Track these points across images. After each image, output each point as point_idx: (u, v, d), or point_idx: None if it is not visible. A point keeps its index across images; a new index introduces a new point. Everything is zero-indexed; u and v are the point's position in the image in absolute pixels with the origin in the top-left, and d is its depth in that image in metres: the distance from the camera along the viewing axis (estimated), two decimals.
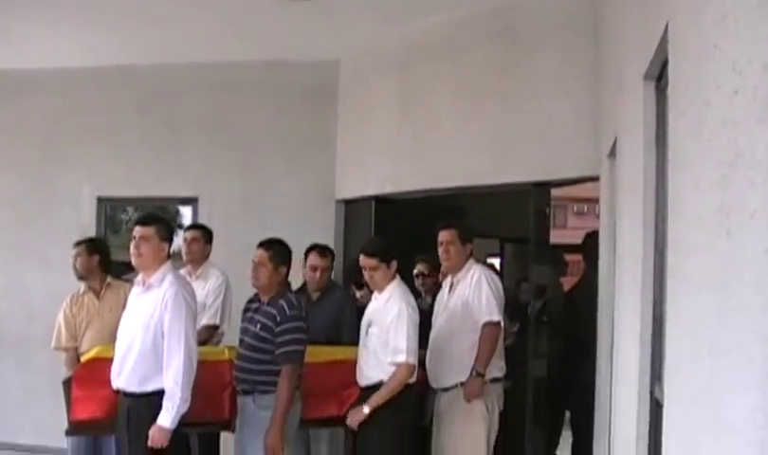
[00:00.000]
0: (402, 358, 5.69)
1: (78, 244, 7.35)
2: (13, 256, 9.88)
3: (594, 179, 6.75)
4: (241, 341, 5.93)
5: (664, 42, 3.01)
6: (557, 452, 8.46)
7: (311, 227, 8.64)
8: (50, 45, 9.02)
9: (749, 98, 1.81)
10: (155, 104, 9.70)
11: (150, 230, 5.59)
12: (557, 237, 8.02)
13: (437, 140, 7.93)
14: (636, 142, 3.87)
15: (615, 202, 5.26)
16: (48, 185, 9.86)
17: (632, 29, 4.16)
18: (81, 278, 7.10)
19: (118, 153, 9.72)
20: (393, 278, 5.95)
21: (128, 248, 5.76)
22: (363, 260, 5.97)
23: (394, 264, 5.93)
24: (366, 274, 6.00)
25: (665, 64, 3.17)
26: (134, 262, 5.65)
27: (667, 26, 2.93)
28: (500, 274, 7.95)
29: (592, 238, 7.34)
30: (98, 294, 7.04)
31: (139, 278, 5.68)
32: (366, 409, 5.66)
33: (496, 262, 10.92)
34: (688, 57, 2.52)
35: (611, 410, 5.19)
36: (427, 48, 8.13)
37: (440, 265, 6.69)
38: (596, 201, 7.13)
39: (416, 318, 5.82)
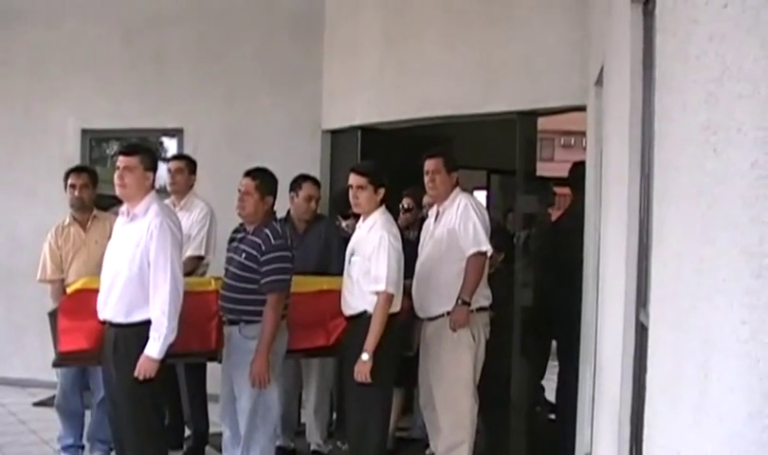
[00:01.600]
0: (382, 287, 5.69)
1: (79, 171, 7.25)
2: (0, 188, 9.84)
3: (582, 109, 6.72)
4: (226, 271, 5.93)
5: None
6: (543, 381, 8.55)
7: (297, 157, 8.60)
8: None
9: (738, 10, 1.78)
10: (140, 36, 9.61)
11: (134, 160, 5.55)
12: (544, 170, 8.02)
13: (423, 69, 7.87)
14: (623, 67, 3.84)
15: (602, 130, 5.24)
16: (34, 118, 9.82)
17: None
18: (80, 208, 7.01)
19: (103, 85, 9.65)
20: (379, 206, 5.92)
21: (112, 182, 5.72)
22: (353, 177, 5.94)
23: (381, 192, 5.91)
24: (352, 193, 5.95)
25: None
26: (118, 192, 5.62)
27: None
28: (487, 207, 7.96)
29: (578, 168, 7.33)
30: (84, 225, 6.99)
31: (124, 208, 5.65)
32: (365, 357, 5.64)
33: (482, 195, 10.92)
34: None
35: (596, 337, 5.21)
36: None
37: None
38: (584, 133, 7.11)
39: (398, 246, 5.81)
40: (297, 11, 9.25)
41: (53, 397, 7.47)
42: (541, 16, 7.06)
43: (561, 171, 9.16)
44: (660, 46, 2.84)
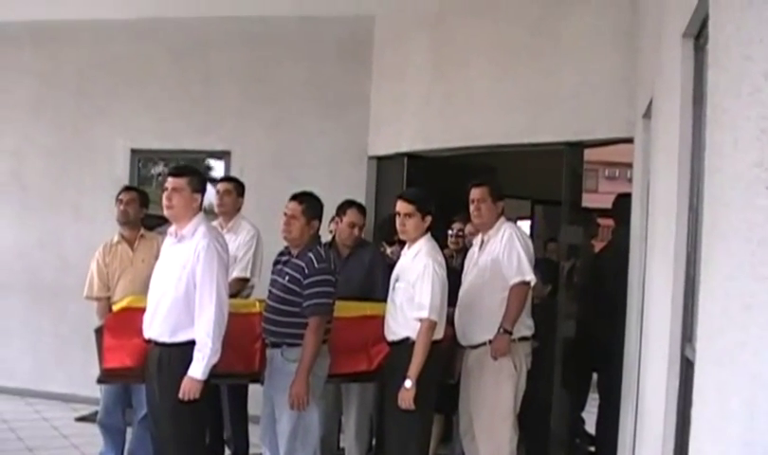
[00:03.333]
0: (425, 314, 5.68)
1: (129, 189, 7.40)
2: (48, 207, 9.99)
3: (628, 141, 6.71)
4: (270, 294, 5.95)
5: None
6: (583, 413, 8.50)
7: (342, 183, 8.67)
8: None
9: None
10: (188, 57, 9.73)
11: (182, 181, 5.60)
12: (588, 201, 7.99)
13: (470, 98, 7.90)
14: (673, 101, 3.84)
15: (650, 163, 5.23)
16: (82, 137, 9.94)
17: None
18: (124, 224, 7.14)
19: (151, 105, 9.78)
20: (424, 233, 5.95)
21: (158, 202, 5.79)
22: (401, 204, 5.96)
23: (428, 220, 5.92)
24: (399, 220, 5.97)
25: (704, 22, 3.14)
26: (166, 212, 5.67)
27: None
28: (530, 236, 7.94)
29: (622, 200, 7.31)
30: (131, 244, 7.09)
31: (172, 229, 5.69)
32: (409, 384, 5.64)
33: (526, 224, 10.91)
34: (730, 12, 2.49)
35: (639, 371, 5.19)
36: (462, 5, 8.09)
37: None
38: (628, 165, 7.09)
39: (443, 274, 5.81)
40: (345, 37, 9.33)
41: (95, 413, 7.55)
42: (589, 48, 7.07)
43: (605, 202, 9.13)
44: (711, 82, 2.84)
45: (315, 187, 6.27)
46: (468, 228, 7.14)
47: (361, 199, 8.05)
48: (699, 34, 3.46)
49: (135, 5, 9.29)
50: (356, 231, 7.03)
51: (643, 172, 5.69)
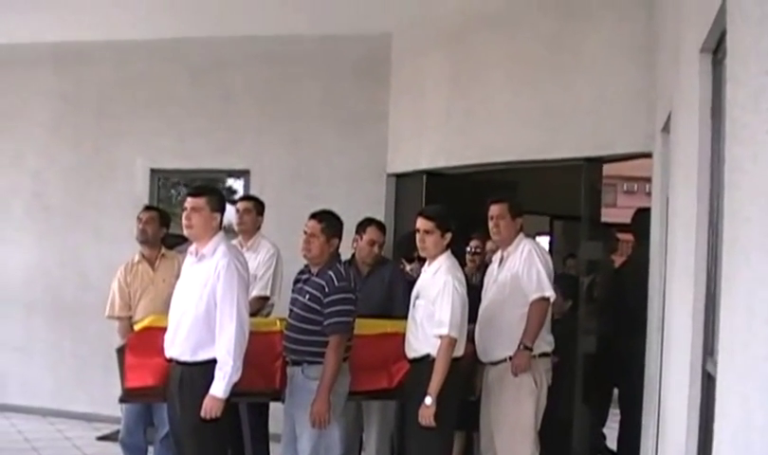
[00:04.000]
0: (445, 331, 5.68)
1: (148, 209, 7.48)
2: (69, 226, 10.06)
3: (647, 156, 6.70)
4: (290, 312, 5.96)
5: (722, 12, 2.98)
6: (605, 429, 8.46)
7: (362, 200, 8.69)
8: (105, 18, 9.12)
9: None
10: (207, 77, 9.80)
11: (200, 201, 5.63)
12: (606, 216, 7.98)
13: (489, 114, 7.92)
14: (692, 116, 3.84)
15: (669, 177, 5.23)
16: (103, 156, 10.02)
17: (689, 1, 4.12)
18: (143, 242, 7.19)
19: (170, 125, 9.84)
20: (445, 250, 5.95)
21: (179, 221, 5.84)
22: (420, 221, 5.97)
23: (448, 236, 5.93)
24: (419, 237, 5.98)
25: (722, 36, 3.14)
26: (185, 232, 5.72)
27: None
28: (549, 252, 7.93)
29: (642, 215, 7.30)
30: (152, 264, 7.14)
31: (192, 248, 5.72)
32: (429, 401, 5.64)
33: (545, 240, 10.89)
34: (748, 26, 2.50)
35: (660, 386, 5.17)
36: (479, 21, 8.11)
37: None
38: (647, 179, 7.08)
39: (463, 291, 5.80)
40: (362, 55, 9.37)
41: (117, 432, 7.57)
42: (608, 63, 7.07)
43: (624, 217, 9.12)
44: (730, 96, 2.84)
45: (334, 205, 6.29)
46: (490, 245, 7.14)
47: (380, 216, 8.07)
48: (717, 49, 3.46)
49: (154, 25, 9.35)
50: (375, 249, 7.04)
51: (662, 186, 5.68)
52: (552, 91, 7.46)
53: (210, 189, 6.03)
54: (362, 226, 7.07)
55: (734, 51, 2.78)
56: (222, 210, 5.74)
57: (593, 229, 7.46)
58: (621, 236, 9.06)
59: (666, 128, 5.41)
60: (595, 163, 7.39)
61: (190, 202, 5.66)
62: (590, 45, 7.22)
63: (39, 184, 10.17)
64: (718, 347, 2.91)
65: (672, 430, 4.29)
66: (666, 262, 5.27)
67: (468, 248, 7.51)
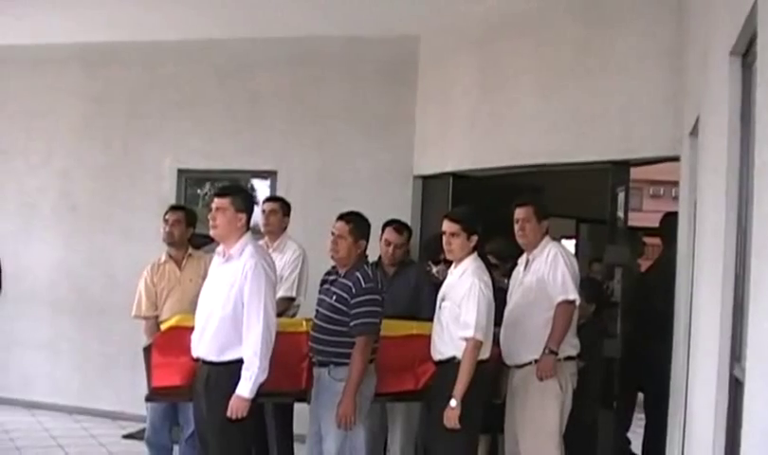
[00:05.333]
0: (470, 333, 5.68)
1: (175, 209, 7.50)
2: (96, 225, 10.12)
3: (674, 159, 6.68)
4: (317, 313, 5.98)
5: (753, 15, 2.97)
6: (629, 433, 8.44)
7: (388, 202, 8.70)
8: (134, 19, 9.17)
9: None
10: (235, 78, 9.84)
11: (225, 201, 5.65)
12: (632, 220, 7.95)
13: (516, 117, 7.92)
14: (721, 120, 3.83)
15: (697, 181, 5.21)
16: (131, 157, 10.07)
17: (719, 4, 4.11)
18: (171, 244, 7.23)
19: (198, 126, 9.89)
20: (471, 253, 5.95)
21: (206, 221, 5.87)
22: (446, 224, 5.98)
23: (474, 239, 5.93)
24: (445, 239, 5.99)
25: (753, 39, 3.13)
26: (211, 232, 5.74)
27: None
28: (575, 255, 7.91)
29: (669, 219, 7.28)
30: (179, 264, 7.17)
31: (220, 249, 5.74)
32: (454, 403, 5.64)
33: (571, 243, 10.86)
34: None
35: (686, 391, 5.15)
36: (507, 25, 8.10)
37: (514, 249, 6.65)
38: (673, 183, 7.06)
39: (489, 294, 5.80)
40: (390, 58, 9.38)
41: (142, 430, 7.61)
42: (635, 67, 7.06)
43: (650, 221, 9.10)
44: (760, 100, 2.84)
45: (361, 206, 6.30)
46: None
47: (407, 218, 8.09)
48: (747, 52, 3.45)
49: (182, 27, 9.40)
50: (390, 250, 7.03)
51: (690, 190, 5.66)
52: (579, 95, 7.45)
53: (237, 189, 6.05)
54: (383, 227, 7.07)
55: (764, 55, 2.77)
56: (248, 211, 5.75)
57: (619, 233, 7.44)
58: (648, 240, 9.02)
59: (694, 132, 5.39)
60: (622, 166, 7.37)
61: (215, 202, 5.70)
62: (617, 49, 7.21)
63: (67, 184, 10.24)
64: (746, 352, 2.90)
65: (698, 435, 4.28)
66: (693, 266, 5.25)
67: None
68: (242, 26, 9.28)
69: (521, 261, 6.47)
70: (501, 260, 7.23)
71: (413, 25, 8.95)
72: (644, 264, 8.89)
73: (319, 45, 9.45)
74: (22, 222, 10.27)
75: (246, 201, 5.80)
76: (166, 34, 9.63)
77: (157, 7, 8.77)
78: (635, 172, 7.76)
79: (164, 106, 10.01)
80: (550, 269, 6.14)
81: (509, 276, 6.75)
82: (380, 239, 7.09)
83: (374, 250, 6.80)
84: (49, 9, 8.93)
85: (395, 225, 7.15)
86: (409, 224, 7.67)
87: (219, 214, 5.64)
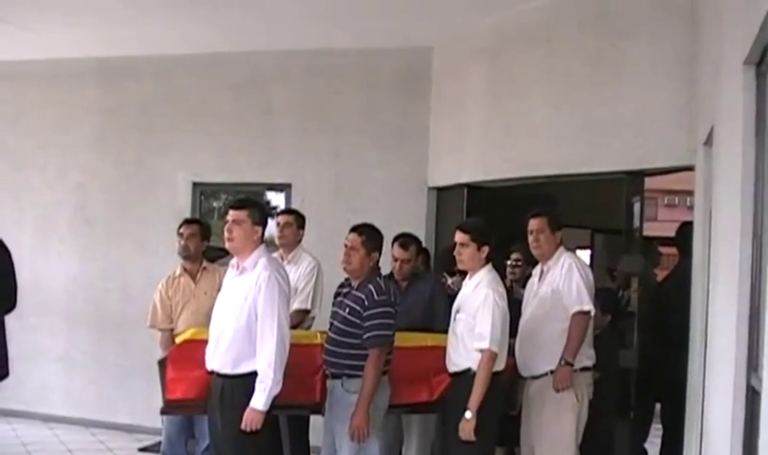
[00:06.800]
0: (485, 345, 5.67)
1: (189, 222, 7.51)
2: (111, 239, 10.18)
3: (689, 169, 6.66)
4: (331, 325, 5.98)
5: (766, 25, 2.97)
6: (646, 444, 8.40)
7: (402, 214, 8.71)
8: (147, 33, 9.22)
9: None
10: (248, 91, 9.88)
11: (242, 214, 5.63)
12: (647, 229, 7.94)
13: (529, 128, 7.91)
14: (735, 129, 3.82)
15: (711, 191, 5.19)
16: (145, 171, 10.13)
17: (732, 14, 4.10)
18: (186, 257, 7.24)
19: (212, 139, 9.93)
20: (484, 264, 5.94)
21: (220, 234, 5.86)
22: (457, 235, 5.99)
23: (485, 250, 5.92)
24: (456, 250, 6.00)
25: (766, 49, 3.13)
26: (227, 245, 5.70)
27: None
28: (590, 266, 7.91)
29: (686, 228, 7.25)
30: (194, 277, 7.18)
31: (234, 261, 5.74)
32: (469, 415, 5.62)
33: (586, 254, 10.84)
34: None
35: (703, 401, 5.13)
36: (519, 36, 8.11)
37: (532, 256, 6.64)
38: (688, 193, 7.04)
39: (503, 305, 5.79)
40: (403, 70, 9.40)
41: (158, 443, 7.63)
42: (648, 76, 7.05)
43: (664, 230, 9.07)
44: None
45: (375, 218, 6.30)
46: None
47: (421, 230, 8.09)
48: (760, 61, 3.44)
49: (195, 41, 9.44)
50: (398, 265, 6.96)
51: (705, 199, 5.64)
52: (592, 106, 7.44)
53: (252, 201, 6.04)
54: (392, 242, 7.01)
55: None
56: (264, 224, 5.75)
57: (634, 243, 7.42)
58: (664, 250, 9.00)
59: (708, 141, 5.38)
60: (637, 176, 7.35)
61: (231, 215, 5.67)
62: (630, 59, 7.20)
63: (82, 197, 10.30)
64: (762, 361, 2.88)
65: (715, 445, 4.25)
66: (708, 275, 5.23)
67: (509, 262, 7.49)
68: (255, 39, 9.31)
69: (536, 272, 6.47)
70: (525, 261, 7.25)
71: (427, 36, 8.97)
72: (660, 274, 8.85)
73: (332, 58, 9.48)
74: (38, 235, 10.34)
75: (262, 214, 5.80)
76: (179, 48, 9.69)
77: (171, 21, 8.81)
78: (650, 182, 7.75)
79: (178, 120, 10.06)
80: (565, 280, 6.13)
81: (525, 283, 6.75)
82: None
83: (388, 262, 6.79)
84: (65, 24, 8.99)
85: (401, 240, 7.02)
86: (423, 235, 7.67)
87: (236, 227, 5.63)
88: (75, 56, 10.06)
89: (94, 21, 8.87)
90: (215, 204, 10.94)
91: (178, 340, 6.43)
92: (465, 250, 5.96)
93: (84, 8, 8.41)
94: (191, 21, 8.82)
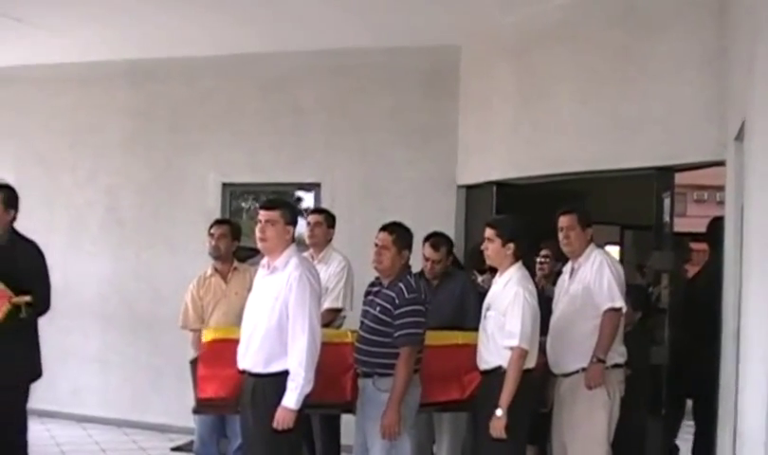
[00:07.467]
0: (515, 342, 5.65)
1: (220, 223, 7.55)
2: (142, 240, 10.27)
3: (719, 164, 6.62)
4: (361, 324, 5.98)
5: None
6: (678, 441, 8.36)
7: (432, 212, 8.73)
8: (176, 34, 9.27)
9: None
10: (276, 91, 9.92)
11: (275, 214, 5.63)
12: (676, 225, 7.88)
13: (558, 125, 7.90)
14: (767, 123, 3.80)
15: (743, 185, 5.16)
16: (175, 172, 10.20)
17: (764, 7, 4.08)
18: (217, 257, 7.27)
19: (241, 139, 9.99)
20: (513, 262, 5.93)
21: (249, 234, 5.87)
22: (486, 230, 6.00)
23: (511, 247, 5.89)
24: (484, 245, 6.01)
25: None
26: (259, 245, 5.70)
27: None
28: (620, 262, 7.87)
29: (717, 224, 7.21)
30: (225, 277, 7.21)
31: (265, 261, 5.75)
32: (500, 413, 5.61)
33: (615, 250, 10.81)
34: None
35: (736, 397, 5.10)
36: (547, 32, 8.09)
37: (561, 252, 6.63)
38: (717, 188, 7.00)
39: (534, 302, 5.77)
40: (431, 68, 9.41)
41: (191, 442, 7.67)
42: (677, 72, 7.02)
43: (694, 226, 9.02)
44: None
45: (405, 217, 6.31)
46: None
47: (450, 228, 8.09)
48: None
49: (223, 42, 9.48)
50: (429, 265, 6.96)
51: (736, 195, 5.61)
52: (620, 102, 7.41)
53: (284, 202, 6.05)
54: (423, 241, 7.01)
55: None
56: (295, 223, 5.77)
57: (665, 239, 7.38)
58: (695, 246, 8.95)
59: (739, 136, 5.35)
60: (667, 172, 7.32)
61: (264, 215, 5.66)
62: (658, 55, 7.17)
63: (114, 199, 10.40)
64: None
65: (750, 442, 4.23)
66: (741, 270, 5.21)
67: (539, 258, 7.49)
68: (283, 39, 9.34)
69: (566, 269, 6.45)
70: (554, 258, 7.24)
71: (454, 35, 8.97)
72: (690, 270, 8.80)
73: (360, 57, 9.50)
74: (71, 237, 10.43)
75: (293, 213, 5.81)
76: (208, 49, 9.73)
77: (200, 22, 8.85)
78: (679, 178, 7.70)
79: (207, 120, 10.12)
80: (596, 277, 6.12)
81: (556, 280, 6.74)
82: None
83: (418, 260, 6.80)
84: (95, 27, 9.05)
85: (432, 240, 7.01)
86: (452, 234, 7.66)
87: (269, 227, 5.62)
88: (106, 58, 10.13)
89: (123, 24, 8.94)
90: (244, 204, 11.00)
91: (204, 337, 6.38)
92: (490, 245, 5.96)
93: (114, 10, 8.47)
94: (219, 22, 8.85)
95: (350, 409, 6.18)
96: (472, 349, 6.01)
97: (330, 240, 7.50)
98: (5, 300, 5.93)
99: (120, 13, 8.57)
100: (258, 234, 5.66)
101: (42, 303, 6.22)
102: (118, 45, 9.73)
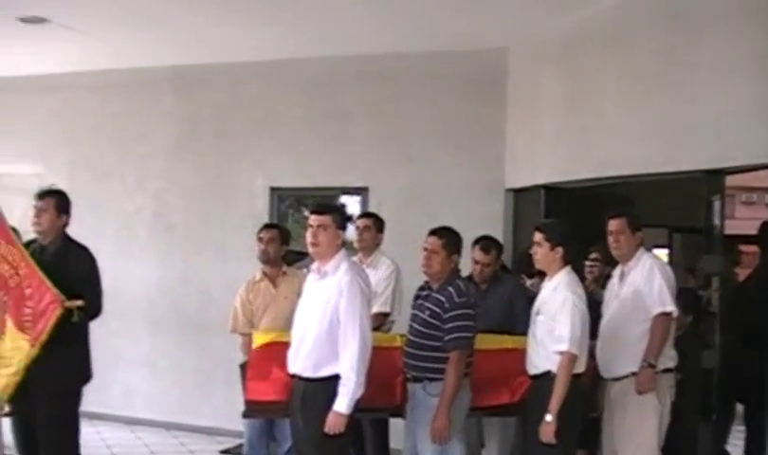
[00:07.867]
0: (564, 347, 5.64)
1: (269, 227, 7.60)
2: (191, 245, 10.35)
3: None
4: (410, 328, 6.00)
5: None
6: (729, 446, 8.29)
7: (480, 216, 8.70)
8: (221, 40, 9.34)
9: None
10: (322, 96, 9.94)
11: (327, 219, 5.64)
12: (726, 228, 7.84)
13: (605, 128, 7.85)
14: None
15: None
16: (222, 177, 10.26)
17: None
18: (266, 262, 7.32)
19: (287, 144, 10.03)
20: (562, 266, 5.91)
21: (299, 239, 5.89)
22: (534, 234, 6.00)
23: (559, 251, 5.88)
24: (532, 248, 6.02)
25: None
26: (311, 250, 5.71)
27: None
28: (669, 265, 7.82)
29: None
30: (274, 281, 7.25)
31: (315, 266, 5.77)
32: (549, 418, 5.61)
33: (663, 253, 10.73)
34: None
35: None
36: (593, 35, 8.05)
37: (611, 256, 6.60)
38: (767, 190, 6.93)
39: (583, 307, 5.76)
40: (478, 70, 9.38)
41: (239, 446, 7.73)
42: (724, 73, 6.94)
43: (743, 228, 8.94)
44: None
45: (452, 221, 6.30)
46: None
47: (499, 232, 8.08)
48: None
49: (268, 46, 9.52)
50: (479, 269, 6.99)
51: None
52: (668, 104, 7.35)
53: (335, 206, 6.10)
54: (472, 245, 7.05)
55: None
56: (345, 228, 5.80)
57: (715, 242, 7.33)
58: (745, 249, 8.86)
59: None
60: (717, 175, 7.26)
61: (316, 220, 5.67)
62: (705, 56, 7.10)
63: (162, 204, 10.50)
64: None
65: None
66: None
67: (588, 263, 7.46)
68: (327, 44, 9.36)
69: (616, 272, 6.42)
70: (603, 261, 7.21)
71: (501, 37, 8.94)
72: (741, 273, 8.72)
73: (406, 61, 9.51)
74: (120, 242, 10.53)
75: (343, 218, 5.84)
76: (252, 55, 9.78)
77: (243, 28, 8.89)
78: (727, 179, 7.65)
79: (253, 125, 10.19)
80: (646, 281, 6.08)
81: (605, 284, 6.71)
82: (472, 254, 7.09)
83: (467, 265, 6.80)
84: (141, 34, 9.15)
85: (482, 243, 7.08)
86: (501, 237, 7.65)
87: (321, 232, 5.63)
88: (150, 65, 10.24)
89: (168, 31, 9.02)
90: (291, 209, 11.05)
91: (255, 341, 6.43)
92: (539, 249, 5.97)
93: (158, 18, 8.55)
94: (263, 28, 8.88)
95: (399, 413, 6.20)
96: (522, 353, 6.01)
97: (379, 244, 7.53)
98: (57, 304, 6.00)
99: (164, 20, 8.64)
100: (309, 239, 5.68)
101: (93, 308, 6.30)
102: (164, 51, 9.82)
